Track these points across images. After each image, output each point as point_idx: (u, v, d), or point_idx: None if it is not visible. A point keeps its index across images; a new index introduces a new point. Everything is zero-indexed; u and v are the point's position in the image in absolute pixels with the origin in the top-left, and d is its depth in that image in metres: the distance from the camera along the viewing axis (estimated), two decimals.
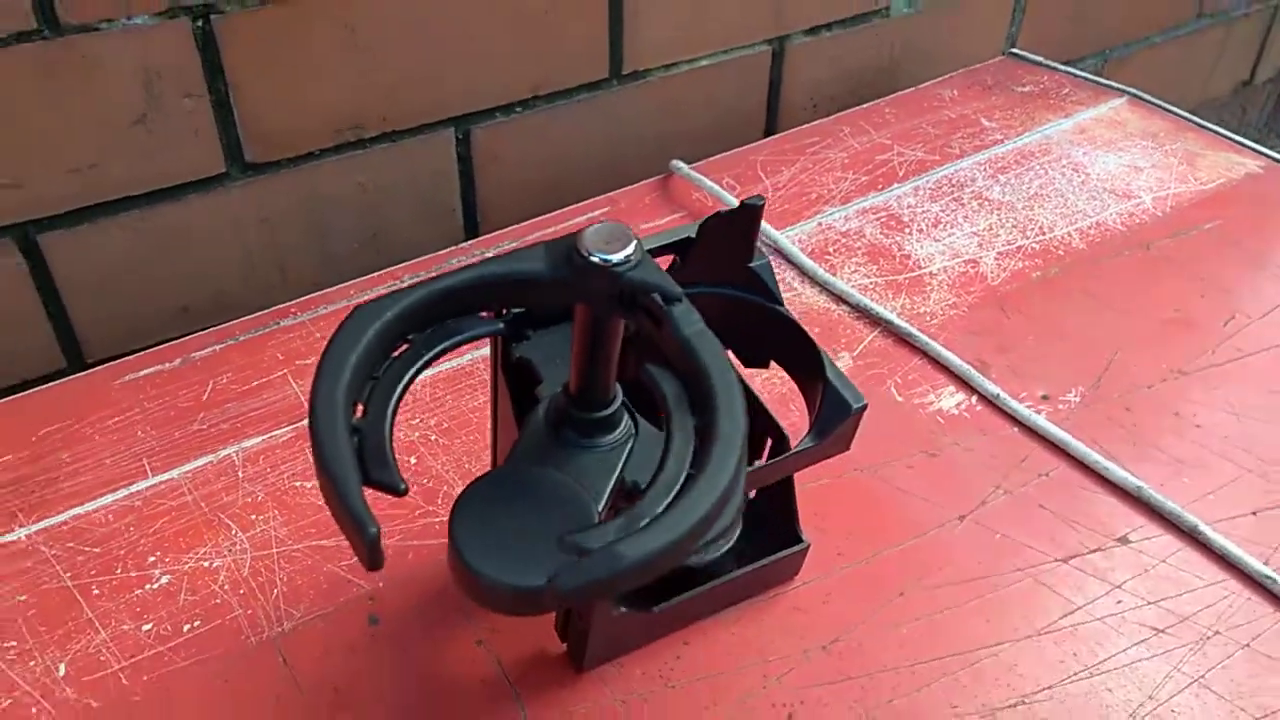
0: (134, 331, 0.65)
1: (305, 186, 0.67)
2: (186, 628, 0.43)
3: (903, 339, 0.58)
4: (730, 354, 0.39)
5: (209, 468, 0.49)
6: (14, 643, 0.42)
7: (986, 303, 0.61)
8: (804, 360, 0.41)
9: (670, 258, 0.41)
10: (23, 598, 0.43)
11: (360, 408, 0.28)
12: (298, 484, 0.49)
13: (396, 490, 0.27)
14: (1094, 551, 0.48)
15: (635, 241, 0.30)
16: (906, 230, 0.66)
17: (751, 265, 0.41)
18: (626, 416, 0.35)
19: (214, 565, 0.45)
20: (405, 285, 0.30)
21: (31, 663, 0.41)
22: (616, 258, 0.30)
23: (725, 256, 0.40)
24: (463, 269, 0.30)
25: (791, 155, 0.73)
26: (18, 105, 0.55)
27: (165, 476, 0.49)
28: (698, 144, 0.80)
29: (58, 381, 0.56)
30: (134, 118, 0.59)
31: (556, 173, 0.76)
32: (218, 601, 0.44)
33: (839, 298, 0.61)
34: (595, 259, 0.30)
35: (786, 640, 0.44)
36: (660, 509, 0.27)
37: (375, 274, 0.65)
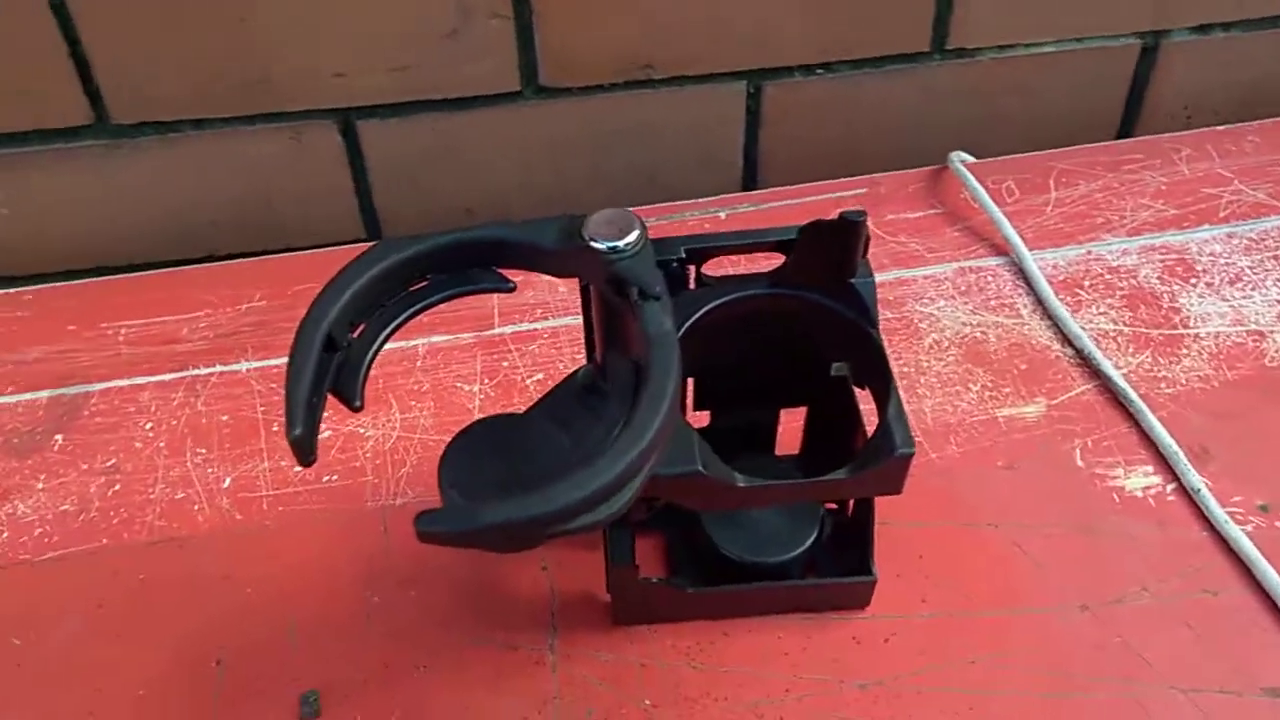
0: (424, 219, 0.77)
1: (591, 116, 0.74)
2: (326, 478, 0.52)
3: (1117, 400, 0.54)
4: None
5: (398, 352, 0.59)
6: (204, 450, 0.54)
7: (1247, 385, 0.54)
8: (877, 390, 0.41)
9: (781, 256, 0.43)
10: (225, 418, 0.56)
11: (361, 327, 0.34)
12: (458, 385, 0.56)
13: (351, 405, 0.33)
14: (1229, 693, 0.43)
15: (637, 232, 0.33)
16: (1192, 281, 0.60)
17: (853, 280, 0.41)
18: None
19: (366, 434, 0.54)
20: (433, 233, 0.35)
21: (210, 470, 0.53)
22: (609, 245, 0.33)
23: (825, 265, 0.41)
24: (483, 226, 0.35)
25: (1099, 170, 0.68)
26: (353, 10, 0.67)
27: None
28: (1013, 137, 0.76)
29: (342, 247, 0.68)
30: (446, 31, 0.69)
31: (846, 142, 0.77)
32: (356, 464, 0.53)
33: (1066, 338, 0.57)
34: (591, 242, 0.33)
35: (827, 665, 0.45)
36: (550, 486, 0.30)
37: (647, 206, 0.70)
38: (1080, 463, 0.52)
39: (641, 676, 0.45)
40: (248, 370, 0.58)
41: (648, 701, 0.44)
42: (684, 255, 0.40)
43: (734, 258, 0.47)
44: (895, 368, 0.55)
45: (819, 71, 0.74)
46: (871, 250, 0.60)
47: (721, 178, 0.78)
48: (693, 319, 0.40)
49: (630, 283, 0.33)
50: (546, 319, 0.60)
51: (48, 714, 0.44)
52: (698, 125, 0.75)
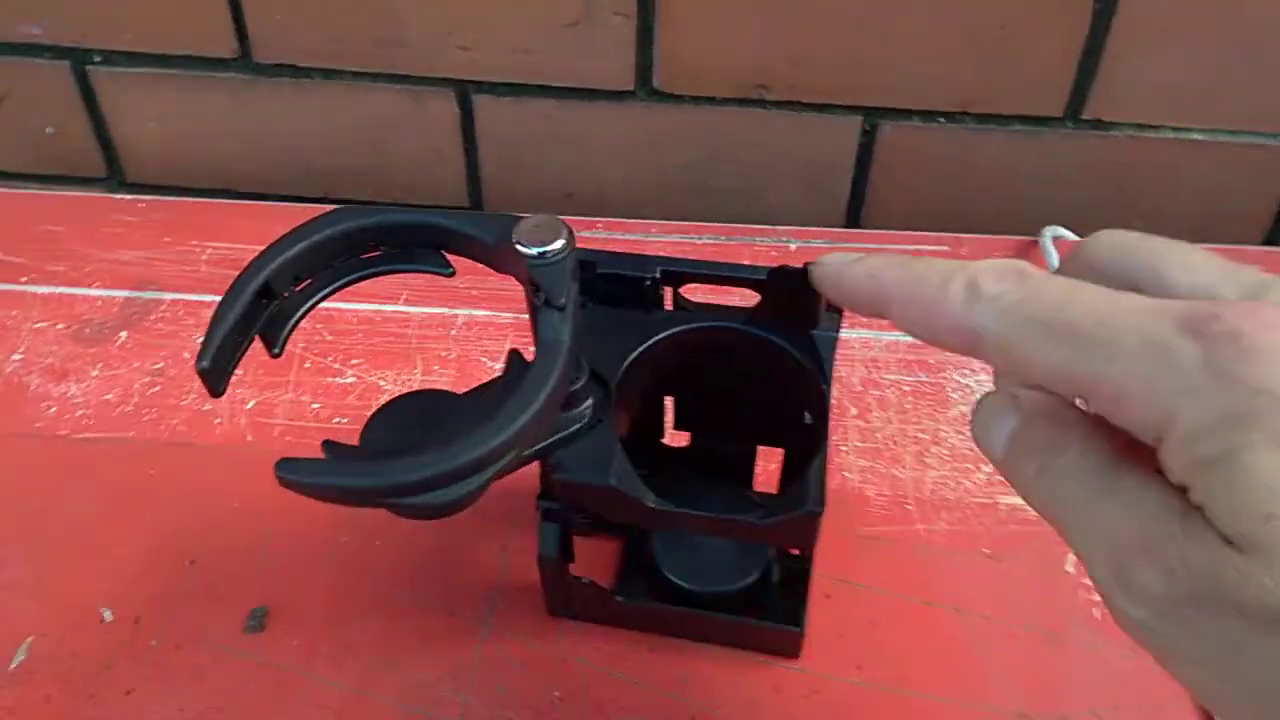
0: (526, 196, 0.81)
1: (699, 126, 0.76)
2: (336, 420, 0.57)
3: None
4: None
5: (439, 317, 0.63)
6: (240, 372, 0.59)
7: None
8: (807, 443, 0.42)
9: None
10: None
11: (305, 282, 0.38)
12: (483, 359, 0.60)
13: (270, 351, 0.37)
14: None
15: (561, 243, 0.36)
16: None
17: (814, 332, 0.43)
18: (590, 400, 0.41)
19: (385, 386, 0.59)
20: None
21: (239, 390, 0.59)
22: (532, 250, 0.36)
23: (792, 311, 0.43)
24: (432, 211, 0.38)
25: None
26: None
27: (418, 310, 0.64)
28: (1131, 223, 0.74)
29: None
30: (569, 21, 0.73)
31: (950, 195, 0.77)
32: (367, 412, 0.57)
33: None
34: (518, 245, 0.36)
35: (739, 706, 0.46)
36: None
37: (745, 226, 0.72)
38: (1070, 569, 0.51)
39: (559, 669, 0.47)
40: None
41: (557, 693, 0.46)
42: (658, 275, 0.43)
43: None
44: (911, 432, 0.56)
45: (940, 120, 0.74)
46: None
47: (825, 209, 0.79)
48: (654, 339, 0.43)
49: (540, 288, 0.35)
50: None
51: (44, 574, 0.50)
52: (806, 153, 0.77)
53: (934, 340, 0.29)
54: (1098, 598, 0.50)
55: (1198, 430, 0.23)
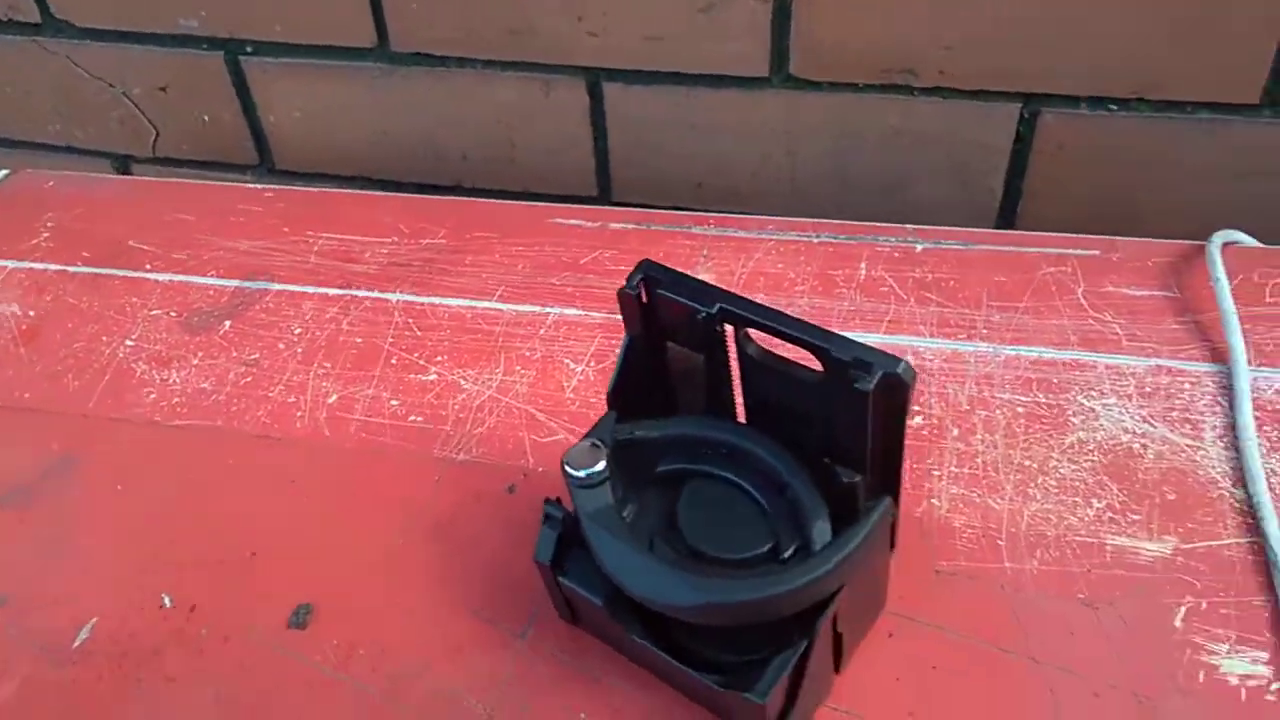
0: (657, 187, 0.82)
1: (837, 115, 0.75)
2: (412, 418, 0.60)
3: (1265, 566, 0.48)
4: None
5: (530, 316, 0.65)
6: (328, 365, 0.64)
7: None
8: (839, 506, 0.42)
9: None
10: (359, 340, 0.65)
11: None
12: (565, 361, 0.62)
13: None
14: None
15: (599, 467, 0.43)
16: None
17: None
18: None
19: (464, 386, 0.61)
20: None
21: (324, 384, 0.62)
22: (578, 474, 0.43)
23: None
24: None
25: None
26: None
27: (509, 307, 0.66)
28: None
29: (572, 205, 0.74)
30: (702, 6, 0.73)
31: (1123, 193, 0.72)
32: (443, 412, 0.60)
33: (1241, 478, 0.51)
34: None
35: None
36: None
37: (886, 224, 0.71)
38: (1179, 624, 0.47)
39: (591, 689, 0.47)
40: (396, 301, 0.67)
41: (583, 715, 0.47)
42: (714, 312, 0.43)
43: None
44: (1017, 459, 0.53)
45: (1111, 107, 0.70)
46: (1060, 321, 0.58)
47: (974, 206, 0.76)
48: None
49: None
50: None
51: (117, 557, 0.55)
52: (956, 145, 0.74)
53: None
54: (1208, 659, 0.47)
55: None
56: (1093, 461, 0.53)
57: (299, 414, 0.61)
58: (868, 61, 0.72)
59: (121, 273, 0.72)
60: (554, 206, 0.74)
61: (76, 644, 0.52)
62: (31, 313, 0.69)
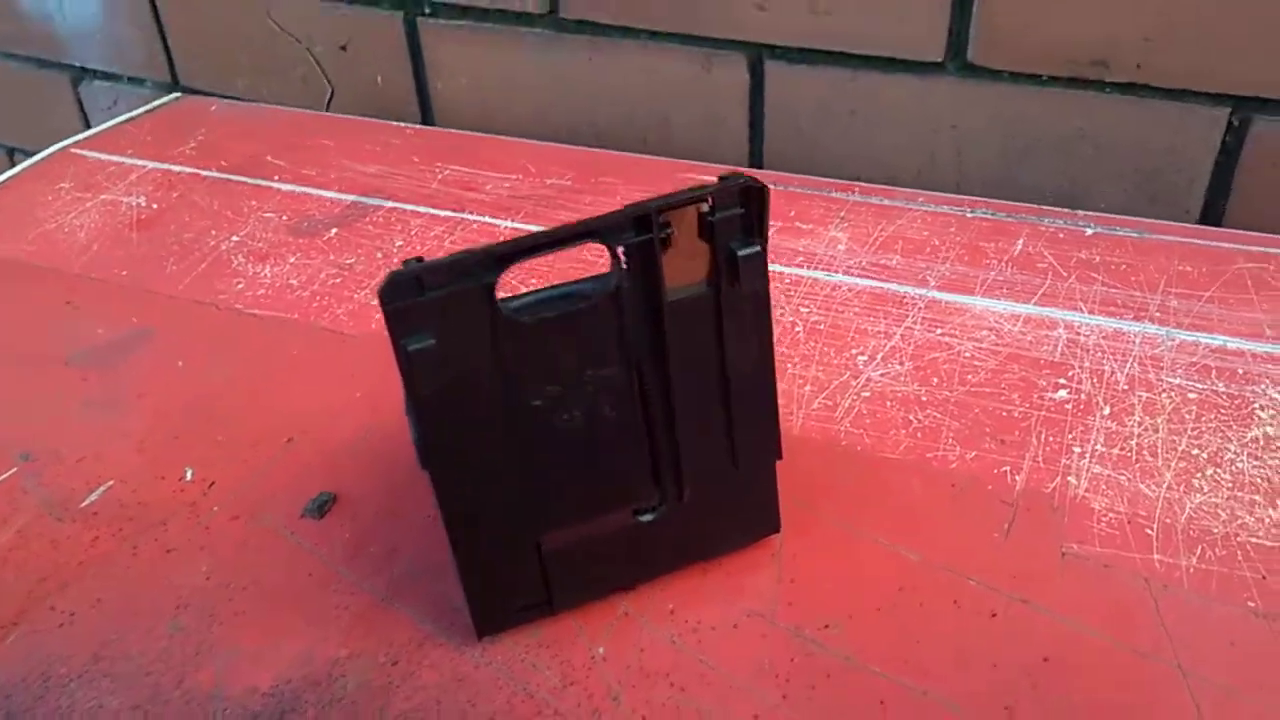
0: (808, 169, 0.73)
1: (1014, 110, 0.64)
2: None
3: None
4: None
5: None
6: None
7: None
8: None
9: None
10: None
11: None
12: None
13: None
14: None
15: None
16: None
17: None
18: None
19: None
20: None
21: None
22: None
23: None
24: None
25: None
26: None
27: None
28: None
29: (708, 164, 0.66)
30: None
31: None
32: None
33: None
34: None
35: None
36: None
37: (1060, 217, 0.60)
38: (1256, 607, 0.34)
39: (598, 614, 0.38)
40: (504, 228, 0.60)
41: (601, 650, 0.37)
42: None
43: None
44: (1184, 446, 0.41)
45: None
46: (1254, 314, 0.47)
47: (1167, 213, 0.63)
48: None
49: None
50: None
51: (155, 428, 0.49)
52: (1148, 152, 0.62)
53: None
54: None
55: None
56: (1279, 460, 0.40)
57: (378, 315, 0.54)
58: (1055, 51, 0.62)
59: (250, 180, 0.67)
60: (687, 163, 0.66)
61: (85, 503, 0.45)
62: (155, 205, 0.65)
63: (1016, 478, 0.41)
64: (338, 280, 0.57)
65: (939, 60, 0.65)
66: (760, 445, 0.36)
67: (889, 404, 0.46)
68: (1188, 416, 0.43)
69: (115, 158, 0.72)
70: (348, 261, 0.58)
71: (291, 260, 0.59)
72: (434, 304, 0.30)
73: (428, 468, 0.33)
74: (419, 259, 0.31)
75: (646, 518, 0.37)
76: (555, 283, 0.34)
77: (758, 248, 0.32)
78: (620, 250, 0.31)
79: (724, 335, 0.33)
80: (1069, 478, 0.41)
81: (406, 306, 0.30)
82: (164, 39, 0.91)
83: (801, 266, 0.55)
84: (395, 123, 0.78)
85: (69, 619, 0.40)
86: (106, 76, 0.98)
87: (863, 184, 0.62)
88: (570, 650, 0.37)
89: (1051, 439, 0.43)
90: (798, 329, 0.51)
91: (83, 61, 0.99)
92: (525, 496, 0.34)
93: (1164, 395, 0.44)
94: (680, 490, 0.36)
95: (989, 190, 0.67)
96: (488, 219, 0.61)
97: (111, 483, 0.46)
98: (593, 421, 0.34)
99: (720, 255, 0.32)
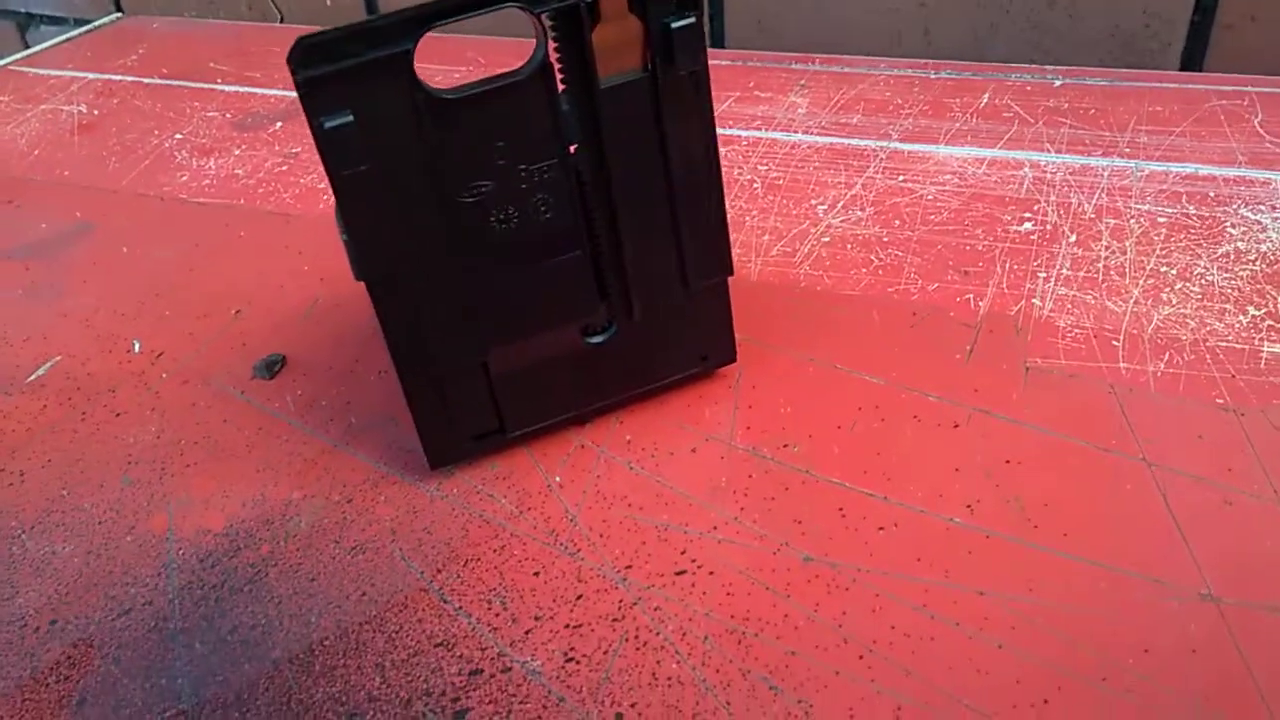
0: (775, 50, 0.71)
1: None
2: None
3: None
4: None
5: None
6: None
7: None
8: None
9: None
10: None
11: None
12: None
13: None
14: None
15: None
16: None
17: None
18: None
19: None
20: None
21: None
22: None
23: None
24: None
25: None
26: None
27: None
28: None
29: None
30: None
31: None
32: None
33: None
34: None
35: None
36: None
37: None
38: (1224, 402, 0.33)
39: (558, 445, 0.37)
40: None
41: (558, 478, 0.36)
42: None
43: None
44: (1152, 265, 0.41)
45: None
46: (1226, 144, 0.47)
47: None
48: None
49: None
50: None
51: (101, 306, 0.48)
52: (1122, 7, 0.61)
53: None
54: None
55: None
56: (1252, 270, 0.39)
57: (326, 198, 0.53)
58: None
59: (192, 84, 0.66)
60: None
61: (31, 378, 0.44)
62: (96, 111, 0.64)
63: (980, 304, 0.40)
64: (284, 168, 0.56)
65: None
66: (710, 258, 0.35)
67: (849, 247, 0.45)
68: (1156, 239, 0.42)
69: (55, 72, 0.70)
70: (294, 151, 0.57)
71: (236, 153, 0.58)
72: (349, 74, 0.29)
73: (361, 278, 0.32)
74: None
75: (597, 339, 0.36)
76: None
77: (692, 19, 0.31)
78: (544, 17, 0.30)
79: (664, 125, 0.32)
80: (1033, 300, 0.40)
81: (320, 76, 0.29)
82: None
83: (759, 129, 0.54)
84: None
85: (18, 478, 0.39)
86: (53, 21, 0.97)
87: (823, 55, 0.61)
88: (526, 480, 0.36)
89: (1016, 268, 0.42)
90: (755, 185, 0.50)
91: (27, 7, 0.97)
92: (467, 308, 0.33)
93: (1132, 221, 0.43)
94: (629, 306, 0.35)
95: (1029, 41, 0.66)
96: None
97: (59, 358, 0.45)
98: (530, 224, 0.33)
99: (653, 29, 0.31)
